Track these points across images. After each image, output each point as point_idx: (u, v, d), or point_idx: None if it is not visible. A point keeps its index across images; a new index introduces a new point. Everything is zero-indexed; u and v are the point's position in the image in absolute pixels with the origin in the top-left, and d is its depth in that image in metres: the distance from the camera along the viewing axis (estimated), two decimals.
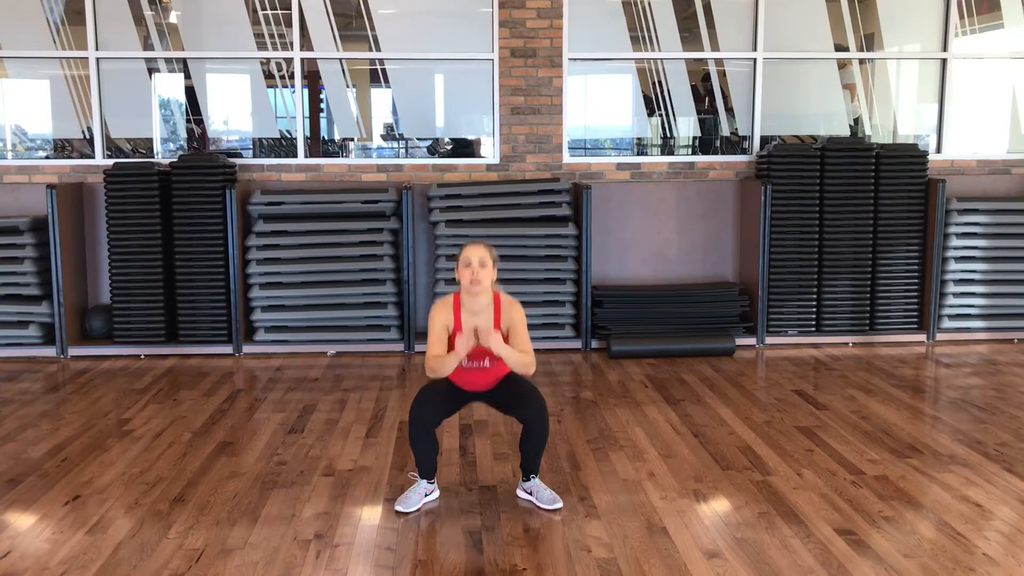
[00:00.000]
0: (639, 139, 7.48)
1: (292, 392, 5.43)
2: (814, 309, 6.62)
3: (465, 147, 7.26)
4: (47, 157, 6.99)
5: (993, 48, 7.20)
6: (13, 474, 4.08)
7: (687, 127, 7.36)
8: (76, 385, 5.63)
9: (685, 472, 4.06)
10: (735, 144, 7.18)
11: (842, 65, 7.19)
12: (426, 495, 3.74)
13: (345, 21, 6.90)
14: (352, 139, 7.47)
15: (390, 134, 7.75)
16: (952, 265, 6.66)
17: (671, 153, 7.27)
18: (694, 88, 7.18)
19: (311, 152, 7.16)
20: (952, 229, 6.64)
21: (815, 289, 6.61)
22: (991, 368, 5.94)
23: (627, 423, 4.78)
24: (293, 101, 7.01)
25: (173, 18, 6.99)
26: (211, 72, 7.03)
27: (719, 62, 7.09)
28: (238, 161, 6.72)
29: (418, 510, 3.67)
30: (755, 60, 6.94)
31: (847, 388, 5.45)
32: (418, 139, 7.58)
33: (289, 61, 6.85)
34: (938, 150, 7.18)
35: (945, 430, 4.65)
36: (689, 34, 7.01)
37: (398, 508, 3.66)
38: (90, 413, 5.01)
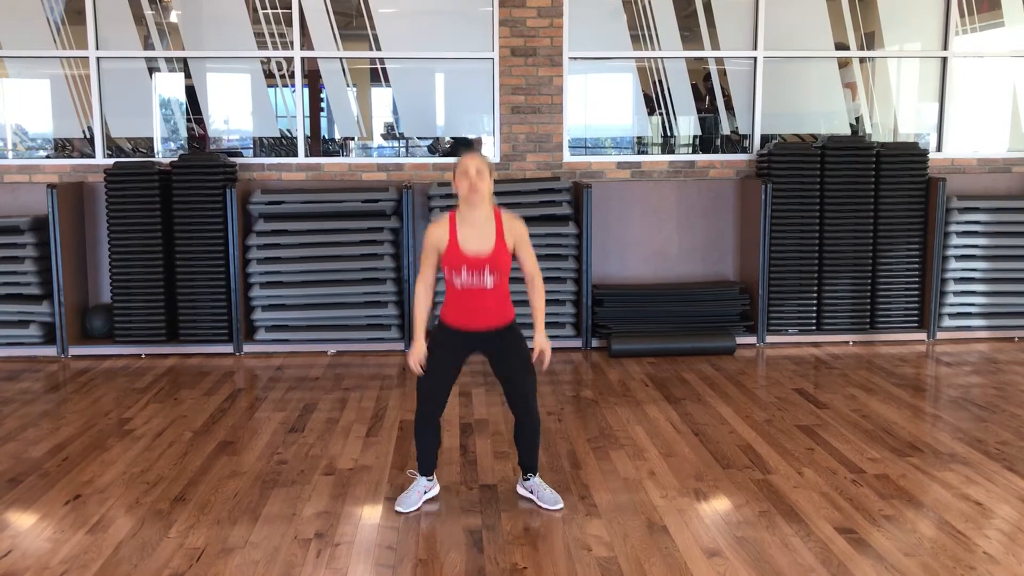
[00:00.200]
0: (639, 138, 7.48)
1: (293, 391, 5.43)
2: (815, 308, 6.62)
3: (466, 146, 7.27)
4: (48, 156, 6.99)
5: (993, 46, 7.20)
6: (14, 473, 4.09)
7: (687, 126, 7.36)
8: (77, 384, 5.63)
9: (685, 471, 4.06)
10: (735, 143, 7.18)
11: (843, 64, 7.19)
12: (425, 492, 3.74)
13: (345, 20, 6.90)
14: (352, 138, 7.47)
15: (390, 133, 7.74)
16: (952, 264, 6.66)
17: (671, 152, 7.26)
18: (694, 87, 7.17)
19: (311, 151, 7.16)
20: (952, 228, 6.64)
21: (816, 288, 6.61)
22: (991, 366, 5.93)
23: (628, 422, 4.78)
24: (293, 100, 7.01)
25: (173, 17, 6.99)
26: (211, 71, 7.03)
27: (719, 61, 7.08)
28: (238, 160, 6.72)
29: (418, 509, 3.67)
30: (755, 59, 6.94)
31: (848, 387, 5.45)
32: (418, 138, 7.57)
33: (289, 60, 6.85)
34: (938, 149, 7.18)
35: (946, 429, 4.65)
36: (689, 33, 7.01)
37: (398, 508, 3.66)
38: (91, 412, 5.01)
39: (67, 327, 6.30)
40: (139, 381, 5.69)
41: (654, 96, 7.13)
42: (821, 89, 7.19)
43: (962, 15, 7.04)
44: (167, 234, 6.35)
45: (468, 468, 4.12)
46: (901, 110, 7.40)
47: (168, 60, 7.00)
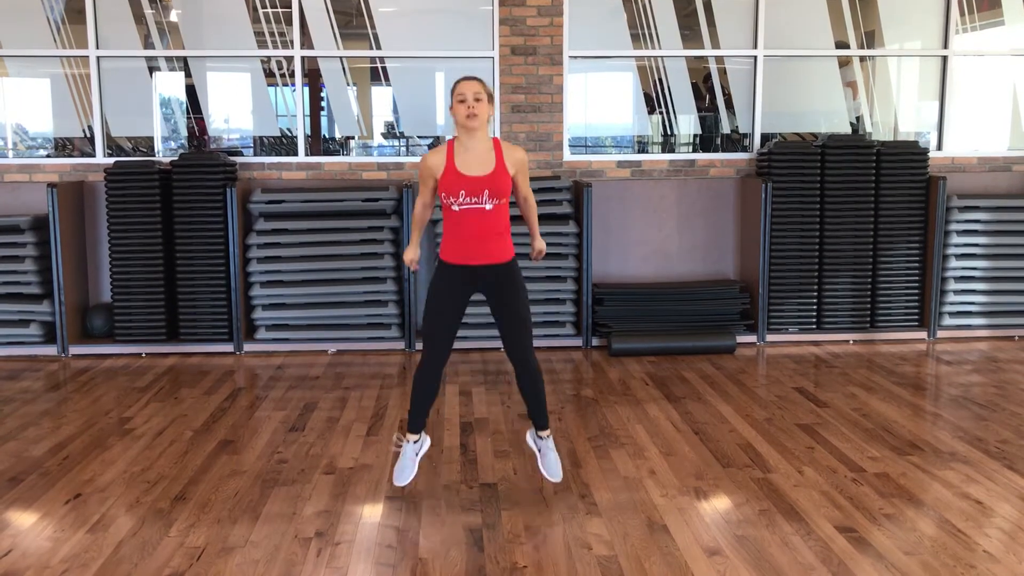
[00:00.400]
0: (640, 137, 7.48)
1: (293, 390, 5.44)
2: (815, 306, 6.62)
3: None
4: (48, 156, 6.99)
5: (994, 45, 7.20)
6: (14, 472, 4.09)
7: (688, 125, 7.36)
8: (77, 384, 5.63)
9: (686, 470, 4.06)
10: (736, 142, 7.18)
11: (844, 63, 7.19)
12: (417, 455, 3.73)
13: (345, 19, 6.90)
14: (353, 137, 7.47)
15: (391, 132, 7.75)
16: (953, 262, 6.66)
17: (672, 151, 7.26)
18: (695, 86, 7.17)
19: (312, 150, 7.16)
20: (953, 226, 6.64)
21: (816, 286, 6.61)
22: (992, 365, 5.93)
23: (628, 421, 4.78)
24: (294, 99, 7.01)
25: (173, 17, 6.98)
26: (212, 70, 7.03)
27: (719, 60, 7.08)
28: (239, 159, 6.72)
29: (415, 474, 3.70)
30: (755, 58, 6.94)
31: (848, 385, 5.45)
32: (419, 137, 7.57)
33: (290, 59, 6.85)
34: (939, 147, 7.18)
35: (946, 427, 4.65)
36: (690, 32, 7.00)
37: (397, 482, 3.67)
38: (91, 412, 5.02)
39: (67, 326, 6.30)
40: (139, 380, 5.69)
41: (654, 95, 7.13)
42: (821, 88, 7.19)
43: (962, 14, 7.03)
44: (167, 233, 6.35)
45: (468, 467, 4.12)
46: (901, 109, 7.40)
47: (168, 59, 7.00)
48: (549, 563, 3.18)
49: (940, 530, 3.42)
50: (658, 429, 4.64)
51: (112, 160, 6.50)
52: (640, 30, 6.95)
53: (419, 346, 6.39)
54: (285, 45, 6.81)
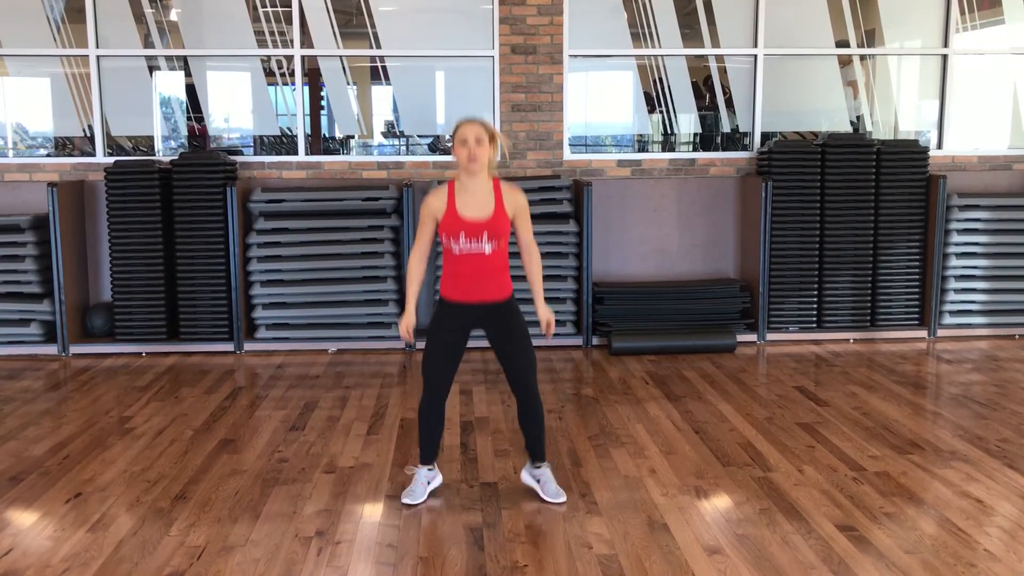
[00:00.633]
0: (640, 136, 7.48)
1: (293, 389, 5.44)
2: (815, 305, 6.62)
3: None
4: (48, 155, 6.99)
5: (994, 44, 7.20)
6: (15, 472, 4.09)
7: (688, 124, 7.36)
8: (77, 383, 5.63)
9: (686, 469, 4.06)
10: (736, 140, 7.18)
11: (845, 62, 7.18)
12: (429, 483, 3.75)
13: (345, 18, 6.90)
14: (353, 136, 7.47)
15: (391, 131, 7.75)
16: (953, 261, 6.65)
17: (672, 150, 7.26)
18: (695, 84, 7.17)
19: (312, 149, 7.15)
20: (953, 225, 6.64)
21: (816, 285, 6.60)
22: (992, 364, 5.93)
23: (628, 420, 4.78)
24: (294, 98, 7.01)
25: (173, 16, 6.98)
26: (212, 70, 7.03)
27: (720, 58, 7.08)
28: (239, 159, 6.72)
29: (424, 500, 3.68)
30: (756, 56, 6.93)
31: (848, 384, 5.45)
32: (419, 136, 7.57)
33: (290, 59, 6.85)
34: (939, 146, 7.17)
35: (946, 426, 4.65)
36: (690, 30, 7.00)
37: (405, 501, 3.67)
38: (91, 411, 5.02)
39: (68, 325, 6.30)
40: (140, 379, 5.69)
41: (654, 94, 7.13)
42: (821, 86, 7.19)
43: (962, 12, 7.03)
44: (167, 232, 6.35)
45: (469, 466, 4.12)
46: (902, 107, 7.40)
47: (168, 58, 7.00)
48: (549, 562, 3.18)
49: (940, 529, 3.42)
50: (658, 428, 4.64)
51: (112, 159, 6.50)
52: (640, 29, 6.95)
53: (420, 345, 6.38)
54: (285, 44, 6.81)
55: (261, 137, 7.32)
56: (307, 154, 6.86)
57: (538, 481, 3.74)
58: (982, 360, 6.05)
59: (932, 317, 6.62)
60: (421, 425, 3.72)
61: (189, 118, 7.21)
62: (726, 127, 7.26)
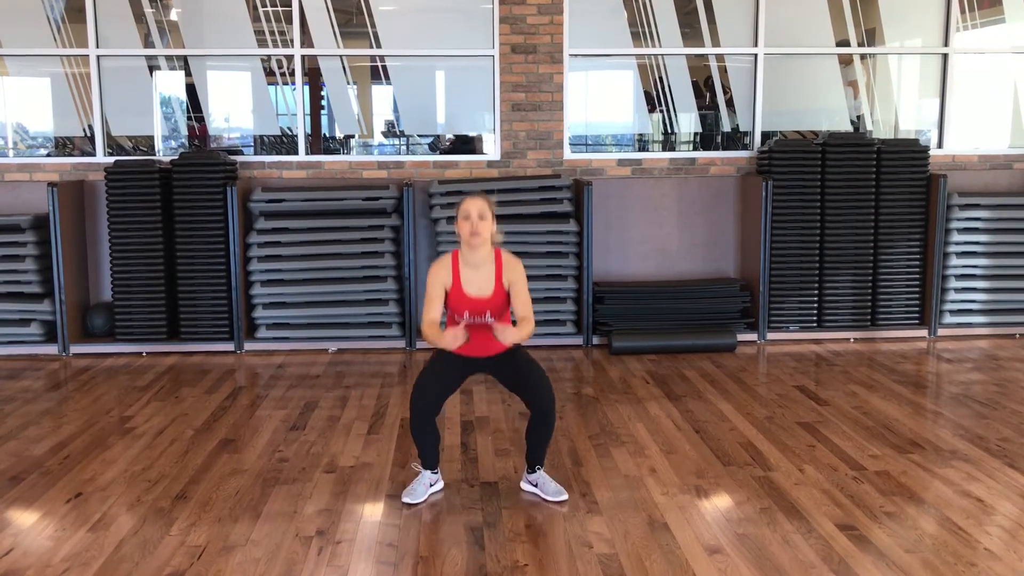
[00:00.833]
0: (640, 135, 7.48)
1: (294, 389, 5.44)
2: (815, 305, 6.62)
3: (466, 144, 7.27)
4: (48, 155, 6.99)
5: (994, 43, 7.19)
6: (15, 472, 4.09)
7: (688, 123, 7.36)
8: (78, 383, 5.63)
9: (686, 468, 4.06)
10: (736, 140, 7.18)
11: (846, 62, 7.18)
12: (431, 485, 3.75)
13: (345, 18, 6.90)
14: (353, 136, 7.47)
15: (391, 131, 7.75)
16: (953, 260, 6.65)
17: (672, 149, 7.26)
18: (695, 84, 7.17)
19: (312, 149, 7.15)
20: (953, 224, 6.64)
21: (816, 285, 6.60)
22: (992, 363, 5.93)
23: (628, 419, 4.78)
24: (294, 98, 7.01)
25: (174, 15, 6.98)
26: (212, 69, 7.03)
27: (720, 57, 7.08)
28: (239, 158, 6.72)
29: (425, 500, 3.68)
30: (756, 56, 6.93)
31: (848, 383, 5.45)
32: (419, 136, 7.58)
33: (290, 58, 6.85)
34: (939, 145, 7.17)
35: (947, 425, 4.65)
36: (690, 30, 7.00)
37: (405, 500, 3.67)
38: (92, 411, 5.02)
39: (68, 325, 6.30)
40: (140, 379, 5.69)
41: (655, 93, 7.13)
42: (822, 86, 7.18)
43: (963, 11, 7.03)
44: (168, 232, 6.35)
45: (469, 465, 4.12)
46: (902, 106, 7.40)
47: (168, 58, 7.00)
48: (550, 561, 3.18)
49: (941, 528, 3.42)
50: (659, 427, 4.64)
51: (112, 159, 6.50)
52: (640, 28, 6.95)
53: (420, 345, 6.39)
54: (285, 44, 6.81)
55: (261, 137, 7.32)
56: (307, 154, 6.86)
57: (536, 485, 3.75)
58: (982, 359, 6.04)
59: (932, 316, 6.62)
60: (417, 441, 3.74)
61: (189, 118, 7.21)
62: (726, 126, 7.26)
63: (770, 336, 6.59)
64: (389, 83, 7.17)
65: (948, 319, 6.69)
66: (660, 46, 6.96)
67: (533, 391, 3.64)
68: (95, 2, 6.61)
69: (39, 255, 6.31)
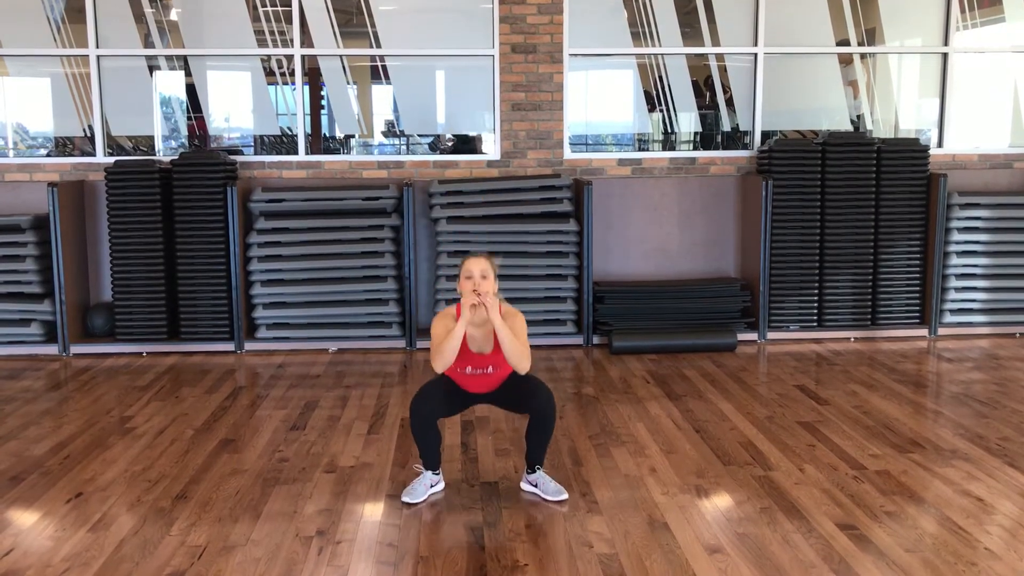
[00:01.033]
0: (640, 135, 7.48)
1: (294, 389, 5.44)
2: (816, 304, 6.62)
3: (466, 143, 7.27)
4: (48, 155, 6.99)
5: (994, 42, 7.19)
6: (15, 472, 4.09)
7: (688, 122, 7.35)
8: (78, 383, 5.63)
9: (687, 467, 4.06)
10: (736, 139, 7.18)
11: (846, 62, 7.18)
12: (432, 486, 3.76)
13: (345, 18, 6.90)
14: (353, 136, 7.47)
15: (391, 131, 7.75)
16: (954, 260, 6.65)
17: (672, 149, 7.26)
18: (695, 83, 7.17)
19: (312, 149, 7.15)
20: (953, 224, 6.64)
21: (817, 284, 6.60)
22: (993, 363, 5.93)
23: (629, 419, 4.78)
24: (294, 98, 7.01)
25: (173, 15, 6.98)
26: (212, 69, 7.03)
27: (720, 57, 7.08)
28: (239, 158, 6.72)
29: (425, 500, 3.69)
30: (756, 55, 6.93)
31: (849, 383, 5.45)
32: (419, 136, 7.57)
33: (290, 58, 6.85)
34: (939, 144, 7.17)
35: (947, 425, 4.65)
36: (690, 29, 7.00)
37: (405, 499, 3.67)
38: (92, 411, 5.02)
39: (68, 325, 6.30)
40: (140, 379, 5.69)
41: (655, 93, 7.13)
42: (822, 85, 7.18)
43: (963, 11, 7.03)
44: (168, 232, 6.35)
45: (469, 465, 4.12)
46: (902, 106, 7.40)
47: (168, 58, 7.00)
48: (550, 561, 3.18)
49: (941, 527, 3.42)
50: (659, 427, 4.64)
51: (112, 159, 6.50)
52: (640, 28, 6.95)
53: (420, 344, 6.39)
54: (285, 44, 6.81)
55: (261, 137, 7.32)
56: (307, 154, 6.86)
57: (535, 485, 3.75)
58: (983, 358, 6.04)
59: (933, 315, 6.62)
60: (418, 444, 3.74)
61: (189, 118, 7.21)
62: (726, 126, 7.26)
63: (770, 335, 6.59)
64: (389, 83, 7.17)
65: (948, 318, 6.69)
66: (660, 46, 6.96)
67: (533, 396, 3.66)
68: (95, 2, 6.61)
69: (39, 255, 6.31)
